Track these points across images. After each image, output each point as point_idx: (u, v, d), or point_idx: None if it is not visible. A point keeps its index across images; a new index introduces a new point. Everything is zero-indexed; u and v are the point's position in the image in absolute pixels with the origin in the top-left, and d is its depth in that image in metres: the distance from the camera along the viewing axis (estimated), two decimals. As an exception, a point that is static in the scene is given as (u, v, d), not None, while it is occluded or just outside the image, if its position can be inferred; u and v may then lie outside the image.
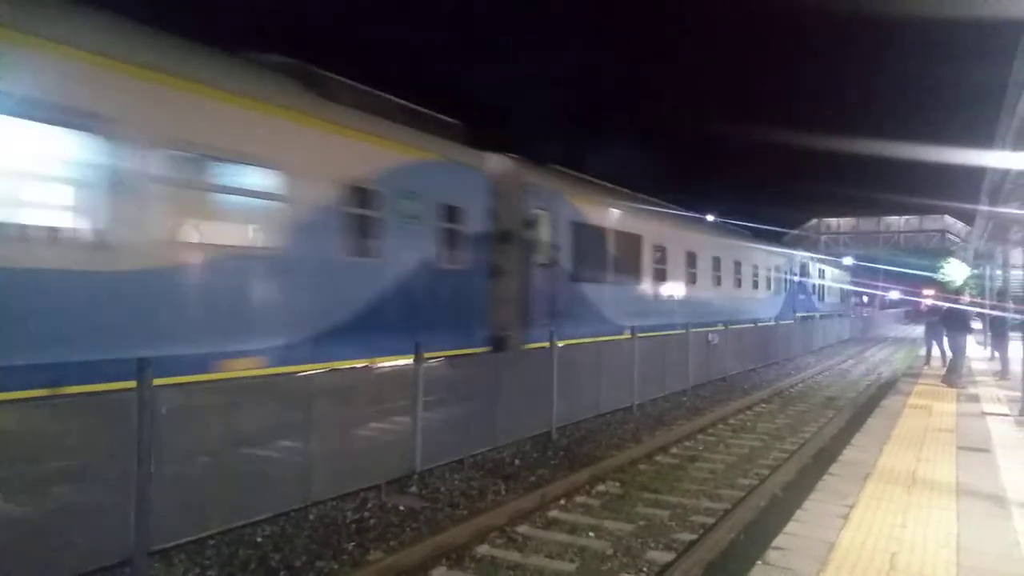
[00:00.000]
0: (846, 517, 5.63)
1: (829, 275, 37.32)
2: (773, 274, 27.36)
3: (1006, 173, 12.44)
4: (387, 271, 9.63)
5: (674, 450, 10.26)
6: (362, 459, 7.55)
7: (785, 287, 28.88)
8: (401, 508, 7.18)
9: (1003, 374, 15.53)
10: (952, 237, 76.68)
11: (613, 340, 13.59)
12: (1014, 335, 16.40)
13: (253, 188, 7.93)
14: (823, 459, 8.99)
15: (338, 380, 7.82)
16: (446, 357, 9.36)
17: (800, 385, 18.45)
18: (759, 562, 4.66)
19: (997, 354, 17.04)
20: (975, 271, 38.40)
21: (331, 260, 8.73)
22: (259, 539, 6.17)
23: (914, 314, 73.48)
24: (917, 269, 59.28)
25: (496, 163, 12.33)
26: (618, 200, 16.56)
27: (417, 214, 10.20)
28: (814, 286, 33.29)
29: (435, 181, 10.61)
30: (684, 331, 15.80)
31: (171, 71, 7.01)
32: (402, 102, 10.75)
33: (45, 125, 6.04)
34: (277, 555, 5.88)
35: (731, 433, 11.77)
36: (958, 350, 14.45)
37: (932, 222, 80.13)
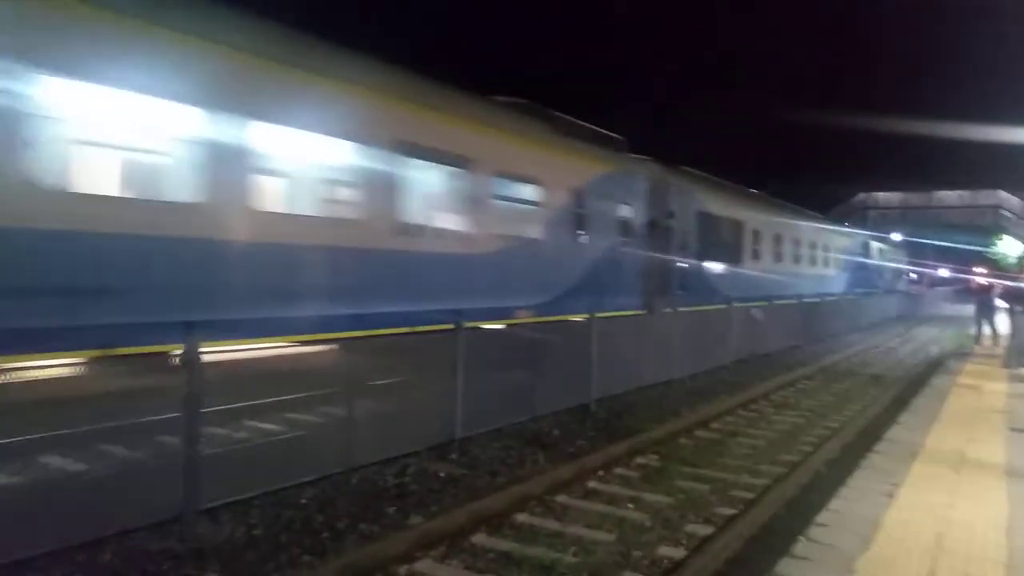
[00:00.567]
0: (891, 496, 5.54)
1: (886, 254, 39.64)
2: (840, 254, 30.19)
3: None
4: (589, 253, 13.11)
5: (715, 425, 10.19)
6: (403, 425, 7.64)
7: (849, 265, 31.38)
8: (441, 474, 7.26)
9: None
10: (1006, 213, 74.31)
11: (651, 314, 13.52)
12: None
13: (527, 198, 11.60)
14: (868, 437, 8.83)
15: (380, 346, 7.90)
16: (486, 327, 9.39)
17: (845, 363, 18.15)
18: (801, 538, 4.63)
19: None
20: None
21: (564, 246, 12.39)
22: (303, 501, 6.30)
23: (964, 292, 71.61)
24: (968, 246, 57.62)
25: (647, 167, 15.63)
26: (725, 192, 20.03)
27: (605, 211, 13.63)
28: (873, 264, 35.56)
29: (615, 185, 13.99)
30: (727, 306, 15.61)
31: (501, 127, 11.09)
32: (588, 125, 14.17)
33: (456, 169, 10.08)
34: (320, 516, 6.00)
35: (773, 409, 11.64)
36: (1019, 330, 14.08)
37: (985, 197, 77.63)
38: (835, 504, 5.31)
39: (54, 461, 5.48)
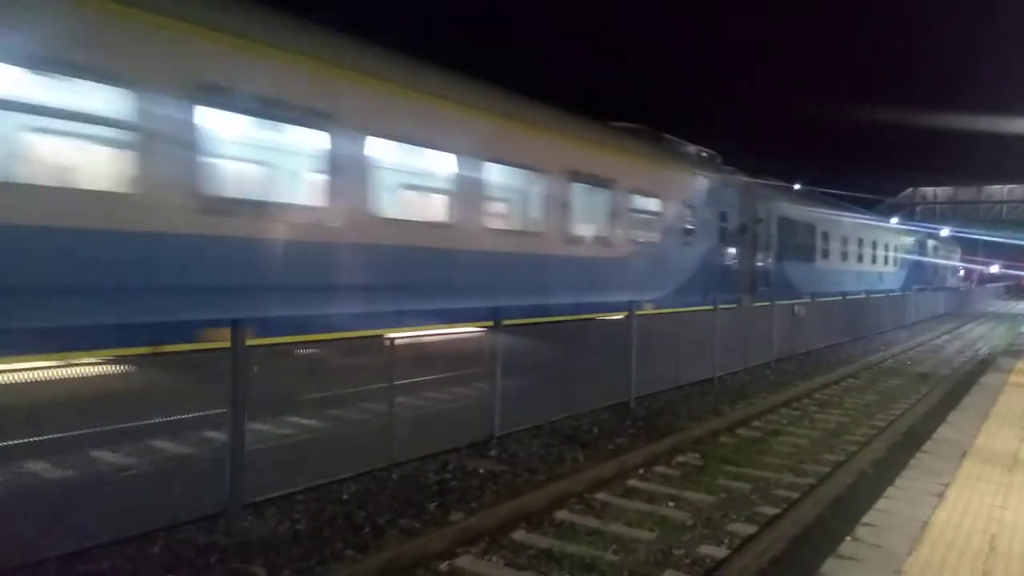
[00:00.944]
0: (941, 496, 5.41)
1: (939, 251, 41.50)
2: (899, 253, 32.36)
3: None
4: (697, 255, 15.37)
5: (756, 423, 10.05)
6: (443, 422, 7.69)
7: (907, 263, 33.65)
8: (481, 471, 7.28)
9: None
10: (1061, 207, 72.02)
11: (694, 311, 13.37)
12: None
13: (651, 210, 13.87)
14: (915, 436, 8.63)
15: (421, 345, 7.95)
16: (525, 325, 9.40)
17: (890, 360, 17.76)
18: (848, 538, 4.53)
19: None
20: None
21: (679, 249, 14.68)
22: (345, 496, 6.38)
23: (1016, 289, 69.51)
24: (1019, 241, 55.97)
25: (738, 179, 17.62)
26: (800, 197, 22.73)
27: (708, 219, 15.83)
28: (928, 261, 37.60)
29: (715, 196, 16.15)
30: (769, 303, 15.40)
31: (631, 152, 13.67)
32: (691, 144, 16.64)
33: (604, 189, 12.34)
34: (362, 512, 6.06)
35: (816, 408, 11.44)
36: None
37: (1038, 191, 75.39)
38: (882, 504, 5.20)
39: (105, 456, 5.62)
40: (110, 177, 6.32)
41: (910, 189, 78.06)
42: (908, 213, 61.21)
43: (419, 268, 8.88)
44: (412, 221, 9.33)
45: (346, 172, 7.92)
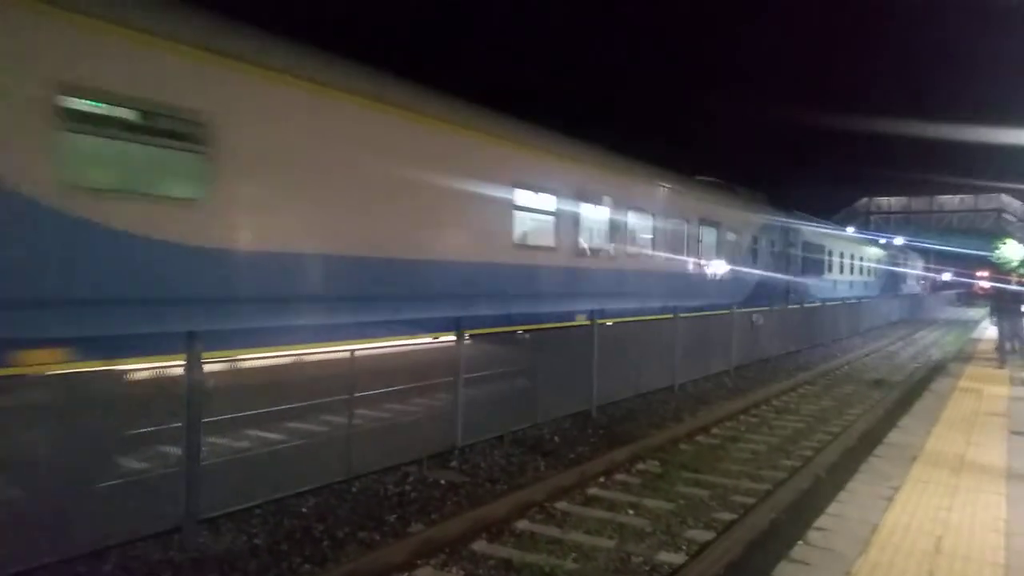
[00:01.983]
0: (891, 499, 5.55)
1: (908, 262, 47.84)
2: (877, 264, 38.15)
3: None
4: (758, 272, 20.50)
5: (715, 430, 10.19)
6: (404, 434, 7.66)
7: (883, 272, 39.52)
8: (442, 482, 7.27)
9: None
10: (1008, 217, 74.24)
11: (655, 319, 13.50)
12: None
13: (736, 241, 19.32)
14: (868, 441, 8.84)
15: (382, 356, 7.92)
16: (487, 335, 9.42)
17: (846, 367, 18.14)
18: (800, 542, 4.64)
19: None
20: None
21: (748, 268, 19.76)
22: (304, 510, 6.32)
23: (967, 296, 71.43)
24: (970, 249, 57.61)
25: (774, 211, 22.62)
26: (812, 223, 27.29)
27: (761, 245, 21.12)
28: (899, 271, 44.20)
29: (766, 228, 21.62)
30: (728, 311, 15.64)
31: (726, 202, 19.18)
32: (748, 190, 21.88)
33: (711, 227, 17.77)
34: (321, 525, 6.02)
35: (774, 414, 11.64)
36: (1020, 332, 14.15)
37: (987, 201, 77.65)
38: (834, 508, 5.32)
39: (55, 472, 5.50)
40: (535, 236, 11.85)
41: (865, 199, 79.83)
42: (863, 222, 62.58)
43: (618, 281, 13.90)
44: (598, 255, 13.38)
45: (566, 224, 12.31)
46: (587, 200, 12.73)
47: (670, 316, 13.33)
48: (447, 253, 9.76)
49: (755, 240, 20.63)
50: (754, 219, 20.74)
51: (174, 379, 5.53)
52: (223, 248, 6.97)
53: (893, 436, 7.78)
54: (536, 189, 11.53)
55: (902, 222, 73.64)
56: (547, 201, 11.86)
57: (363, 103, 8.42)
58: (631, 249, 14.29)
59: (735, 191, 20.87)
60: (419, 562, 5.35)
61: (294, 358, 7.28)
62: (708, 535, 6.10)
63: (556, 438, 9.31)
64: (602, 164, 13.57)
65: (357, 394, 7.08)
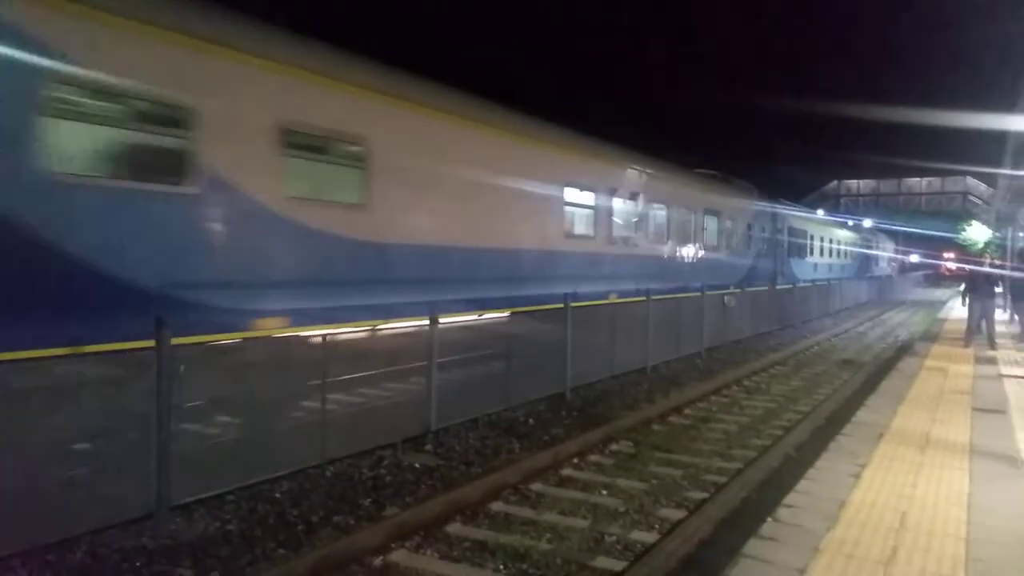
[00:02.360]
0: (858, 476, 5.66)
1: (881, 245, 50.59)
2: (852, 247, 40.48)
3: (1030, 133, 12.20)
4: (752, 256, 22.74)
5: (688, 411, 10.30)
6: (378, 418, 7.65)
7: (859, 255, 42.16)
8: (416, 466, 7.28)
9: (1022, 336, 15.42)
10: (974, 199, 75.53)
11: (628, 302, 13.57)
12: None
13: (734, 229, 21.26)
14: (837, 420, 8.99)
15: (354, 340, 7.89)
16: (461, 319, 9.42)
17: (816, 347, 18.41)
18: (769, 519, 4.71)
19: (1017, 317, 16.88)
20: (996, 234, 37.88)
21: (745, 252, 22.10)
22: (277, 495, 6.30)
23: (934, 277, 72.69)
24: (937, 231, 58.59)
25: (768, 202, 24.77)
26: (797, 210, 29.99)
27: (756, 232, 23.22)
28: (872, 255, 46.83)
29: (759, 216, 23.54)
30: (699, 294, 15.77)
31: (725, 192, 21.53)
32: (744, 182, 24.00)
33: (715, 217, 19.96)
34: (295, 510, 6.00)
35: (745, 395, 11.79)
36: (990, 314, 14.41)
37: (954, 183, 78.88)
38: (803, 486, 5.41)
39: (22, 460, 5.42)
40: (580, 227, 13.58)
41: (835, 182, 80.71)
42: (833, 205, 63.32)
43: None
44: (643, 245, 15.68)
45: (602, 216, 14.04)
46: (617, 195, 14.43)
47: (643, 299, 13.42)
48: (524, 243, 11.63)
49: (749, 227, 22.66)
50: (747, 207, 22.75)
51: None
52: (379, 242, 8.76)
53: (861, 415, 7.92)
54: (582, 187, 13.27)
55: (871, 204, 74.62)
56: (588, 197, 13.53)
57: (470, 124, 10.53)
58: (652, 237, 16.15)
59: (730, 182, 22.89)
60: (394, 545, 5.36)
61: (267, 342, 7.23)
62: (680, 514, 6.19)
63: (531, 420, 9.36)
64: (628, 163, 15.25)
65: (330, 379, 7.05)
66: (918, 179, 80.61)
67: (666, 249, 16.75)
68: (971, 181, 75.23)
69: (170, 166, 6.58)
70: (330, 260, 8.07)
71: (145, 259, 6.28)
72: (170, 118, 6.57)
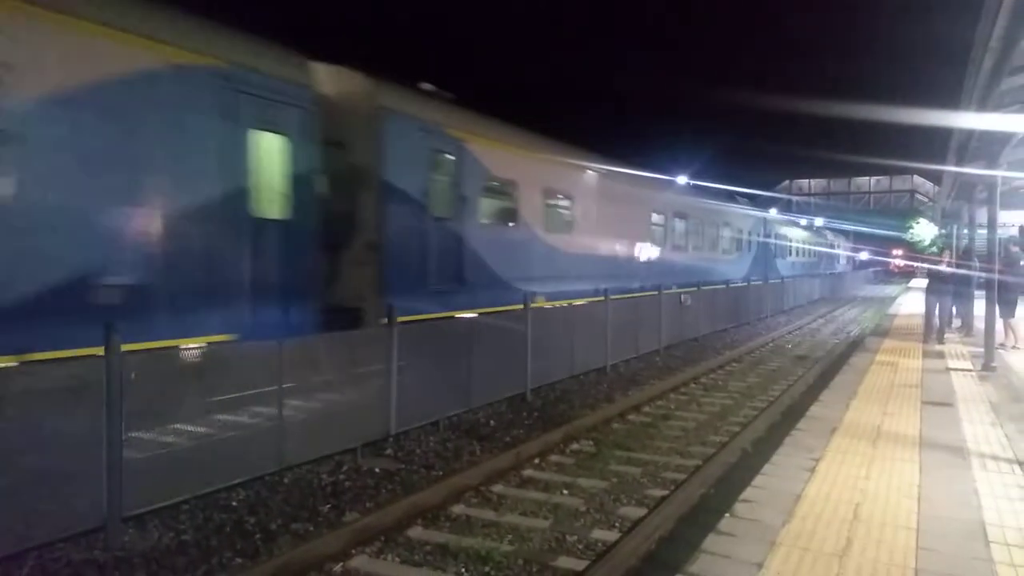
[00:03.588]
0: (812, 470, 5.77)
1: (839, 244, 55.45)
2: (816, 246, 45.35)
3: (971, 133, 12.55)
4: (752, 257, 29.16)
5: (647, 409, 10.40)
6: (336, 423, 7.55)
7: (821, 254, 46.83)
8: (376, 470, 7.22)
9: (967, 331, 15.87)
10: (921, 197, 77.64)
11: (587, 302, 13.67)
12: (978, 293, 16.68)
13: (740, 237, 27.96)
14: (792, 415, 9.17)
15: (312, 346, 7.78)
16: (420, 321, 9.36)
17: (771, 344, 18.74)
18: (727, 515, 4.78)
19: (956, 311, 17.28)
20: (942, 231, 38.99)
21: (747, 255, 28.71)
22: (234, 503, 6.19)
23: (884, 274, 74.53)
24: (886, 229, 60.09)
25: (763, 213, 31.99)
26: (778, 215, 38.02)
27: (755, 238, 29.73)
28: (832, 253, 51.94)
29: (757, 225, 30.21)
30: (656, 292, 15.93)
31: (739, 211, 28.98)
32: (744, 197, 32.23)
33: (728, 227, 26.76)
34: (252, 518, 5.90)
35: (703, 392, 11.95)
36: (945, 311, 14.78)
37: (901, 182, 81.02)
38: (760, 481, 5.50)
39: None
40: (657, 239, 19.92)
41: (787, 181, 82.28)
42: (785, 204, 64.55)
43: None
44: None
45: (668, 230, 20.58)
46: (673, 215, 20.85)
47: (601, 299, 13.51)
48: (638, 250, 18.17)
49: (748, 233, 28.62)
50: (744, 215, 28.80)
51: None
52: (526, 251, 13.32)
53: (815, 409, 8.07)
54: (658, 212, 19.79)
55: (822, 203, 76.22)
56: (659, 218, 19.79)
57: (581, 166, 15.57)
58: (693, 245, 22.48)
59: (735, 198, 29.05)
60: (354, 551, 5.31)
61: (218, 348, 7.09)
62: (640, 512, 6.23)
63: (492, 422, 9.35)
64: (675, 191, 22.07)
65: (286, 384, 6.94)
66: (867, 178, 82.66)
67: (701, 253, 23.02)
68: (918, 179, 77.37)
69: (510, 215, 12.77)
70: (559, 263, 14.18)
71: (506, 264, 12.41)
72: (508, 192, 12.71)
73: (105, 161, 6.57)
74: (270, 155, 8.13)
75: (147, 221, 6.94)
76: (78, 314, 6.14)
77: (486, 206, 12.16)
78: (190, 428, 6.39)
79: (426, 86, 11.88)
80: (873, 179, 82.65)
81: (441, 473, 7.20)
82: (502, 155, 12.43)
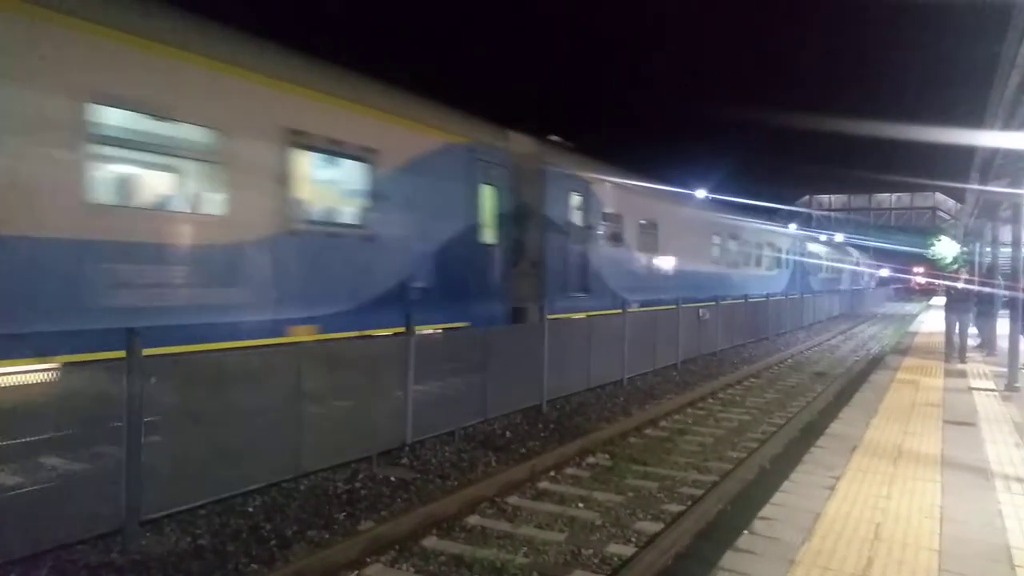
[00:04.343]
0: (832, 488, 5.70)
1: (862, 261, 57.77)
2: (845, 264, 48.20)
3: (996, 151, 12.44)
4: (789, 274, 31.90)
5: (664, 423, 10.33)
6: (353, 431, 7.57)
7: (848, 271, 49.42)
8: (392, 479, 7.22)
9: (990, 350, 15.67)
10: (943, 215, 76.91)
11: (604, 315, 13.65)
12: (1001, 312, 16.46)
13: (779, 256, 30.85)
14: (811, 432, 9.08)
15: (331, 352, 7.81)
16: (439, 330, 9.40)
17: (790, 360, 18.58)
18: (745, 532, 4.72)
19: (977, 330, 17.06)
20: (964, 249, 38.57)
21: (788, 272, 31.85)
22: (250, 509, 6.21)
23: (905, 291, 73.79)
24: (907, 246, 59.51)
25: (802, 233, 38.08)
26: (809, 232, 42.49)
27: (795, 255, 32.80)
28: (860, 271, 55.06)
29: (795, 244, 33.88)
30: (675, 306, 15.87)
31: (778, 230, 33.39)
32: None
33: (771, 248, 30.17)
34: (268, 524, 5.92)
35: (720, 407, 11.86)
36: (965, 329, 14.56)
37: (923, 199, 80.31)
38: (778, 498, 5.44)
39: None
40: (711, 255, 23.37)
41: (807, 196, 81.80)
42: (805, 219, 64.14)
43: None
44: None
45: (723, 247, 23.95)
46: (728, 236, 23.93)
47: (619, 311, 13.47)
48: (701, 266, 21.18)
49: (786, 251, 31.52)
50: (790, 239, 33.14)
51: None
52: (626, 268, 16.40)
53: (835, 427, 7.98)
54: (717, 233, 23.17)
55: (842, 219, 75.67)
56: (718, 239, 23.14)
57: (660, 195, 18.82)
58: (743, 261, 25.66)
59: (774, 220, 33.00)
60: (369, 560, 5.30)
61: (239, 354, 7.13)
62: (657, 527, 6.19)
63: (507, 433, 9.33)
64: (727, 213, 24.68)
65: (305, 390, 6.96)
66: (888, 194, 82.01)
67: (748, 270, 26.15)
68: (940, 196, 76.66)
69: (615, 239, 15.68)
70: (648, 278, 17.29)
71: (613, 277, 15.23)
72: (614, 220, 15.60)
73: (419, 207, 9.94)
74: (487, 201, 11.57)
75: (432, 246, 10.25)
76: (399, 305, 9.32)
77: (601, 232, 15.19)
78: (210, 433, 6.42)
79: (554, 138, 14.66)
80: (894, 196, 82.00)
81: (456, 483, 7.19)
82: (610, 191, 15.50)
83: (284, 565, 5.07)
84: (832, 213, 79.28)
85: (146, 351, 5.40)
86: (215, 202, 7.41)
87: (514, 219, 12.22)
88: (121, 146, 6.73)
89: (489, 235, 11.56)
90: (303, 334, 8.06)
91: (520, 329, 11.41)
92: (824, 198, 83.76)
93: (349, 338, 8.47)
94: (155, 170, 7.38)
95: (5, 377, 5.06)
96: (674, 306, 15.87)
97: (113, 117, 6.46)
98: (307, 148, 8.35)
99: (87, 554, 5.11)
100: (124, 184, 6.95)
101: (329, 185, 9.12)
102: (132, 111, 6.64)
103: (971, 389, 10.91)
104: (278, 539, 5.66)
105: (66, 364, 5.77)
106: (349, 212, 9.21)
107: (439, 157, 10.40)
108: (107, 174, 6.67)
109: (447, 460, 8.02)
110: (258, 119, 7.78)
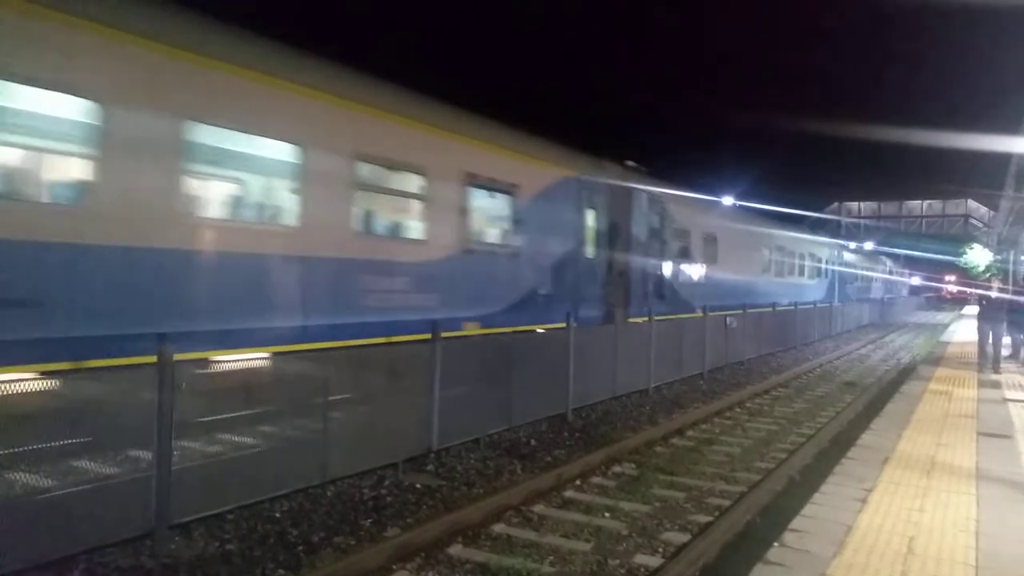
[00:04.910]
0: (864, 501, 5.60)
1: (895, 271, 57.69)
2: (879, 273, 48.68)
3: (1033, 157, 12.20)
4: (829, 283, 32.98)
5: (690, 433, 10.24)
6: (379, 437, 7.59)
7: (882, 280, 49.99)
8: (418, 486, 7.23)
9: (1017, 358, 15.34)
10: (975, 222, 75.57)
11: (630, 323, 13.62)
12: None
13: (821, 267, 32.10)
14: (841, 443, 8.94)
15: (358, 358, 7.85)
16: (464, 336, 9.42)
17: (818, 370, 18.34)
18: (776, 544, 4.66)
19: (1010, 339, 16.69)
20: (998, 257, 37.87)
21: (830, 282, 33.33)
22: (277, 514, 6.24)
23: (936, 300, 72.57)
24: (939, 254, 58.55)
25: (842, 244, 39.86)
26: (847, 243, 43.13)
27: (835, 266, 34.51)
28: (891, 281, 54.50)
29: (836, 255, 35.30)
30: (702, 314, 15.76)
31: (821, 242, 34.63)
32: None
33: (811, 259, 31.07)
34: (295, 530, 5.94)
35: (748, 417, 11.73)
36: (998, 339, 14.27)
37: (955, 207, 78.98)
38: (809, 510, 5.36)
39: (20, 478, 5.38)
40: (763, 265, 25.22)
41: (836, 204, 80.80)
42: (834, 227, 63.38)
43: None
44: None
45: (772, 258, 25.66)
46: (775, 248, 25.34)
47: (645, 319, 13.40)
48: (753, 276, 22.86)
49: (826, 261, 32.57)
50: (835, 251, 34.84)
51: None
52: (694, 277, 18.29)
53: (865, 438, 7.86)
54: (766, 247, 24.53)
55: (872, 227, 74.66)
56: (766, 251, 24.62)
57: (720, 210, 21.13)
58: (788, 271, 26.89)
59: (812, 225, 34.83)
60: (395, 567, 5.31)
61: (267, 360, 7.20)
62: (684, 537, 6.12)
63: (532, 441, 9.30)
64: (775, 226, 26.17)
65: (332, 397, 7.00)
66: (919, 202, 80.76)
67: (793, 280, 27.25)
68: (972, 204, 75.34)
69: (684, 252, 17.40)
70: (711, 286, 18.81)
71: (683, 286, 17.20)
72: (683, 234, 17.48)
73: (545, 229, 12.18)
74: (589, 221, 13.64)
75: (553, 260, 12.43)
76: (531, 308, 11.67)
77: (673, 246, 17.00)
78: (238, 439, 6.48)
79: (630, 163, 15.93)
80: (925, 203, 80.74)
81: (482, 491, 7.18)
82: (679, 208, 17.14)
83: (311, 571, 5.09)
84: (862, 220, 78.29)
85: (397, 338, 8.50)
86: (420, 230, 9.70)
87: (607, 236, 14.06)
88: (384, 193, 9.50)
89: (591, 250, 13.61)
90: (471, 328, 10.17)
91: (546, 336, 11.40)
92: (853, 205, 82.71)
93: (376, 344, 8.49)
94: (394, 210, 9.93)
95: (43, 382, 5.16)
96: (701, 314, 15.76)
97: (408, 182, 9.49)
98: (475, 185, 10.60)
99: (118, 557, 5.16)
100: (374, 218, 9.43)
101: (487, 213, 11.41)
102: (409, 173, 9.51)
103: (1006, 400, 10.69)
104: (305, 545, 5.69)
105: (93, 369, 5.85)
106: (499, 234, 11.52)
107: (558, 188, 12.66)
108: (360, 211, 8.93)
109: (472, 468, 8.01)
110: (451, 166, 10.09)
